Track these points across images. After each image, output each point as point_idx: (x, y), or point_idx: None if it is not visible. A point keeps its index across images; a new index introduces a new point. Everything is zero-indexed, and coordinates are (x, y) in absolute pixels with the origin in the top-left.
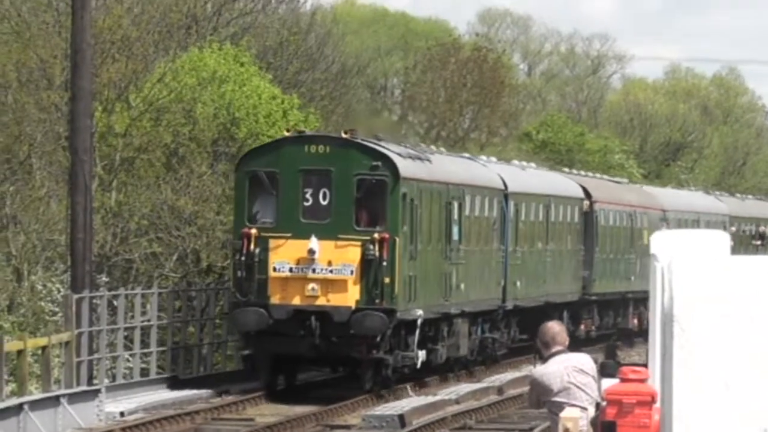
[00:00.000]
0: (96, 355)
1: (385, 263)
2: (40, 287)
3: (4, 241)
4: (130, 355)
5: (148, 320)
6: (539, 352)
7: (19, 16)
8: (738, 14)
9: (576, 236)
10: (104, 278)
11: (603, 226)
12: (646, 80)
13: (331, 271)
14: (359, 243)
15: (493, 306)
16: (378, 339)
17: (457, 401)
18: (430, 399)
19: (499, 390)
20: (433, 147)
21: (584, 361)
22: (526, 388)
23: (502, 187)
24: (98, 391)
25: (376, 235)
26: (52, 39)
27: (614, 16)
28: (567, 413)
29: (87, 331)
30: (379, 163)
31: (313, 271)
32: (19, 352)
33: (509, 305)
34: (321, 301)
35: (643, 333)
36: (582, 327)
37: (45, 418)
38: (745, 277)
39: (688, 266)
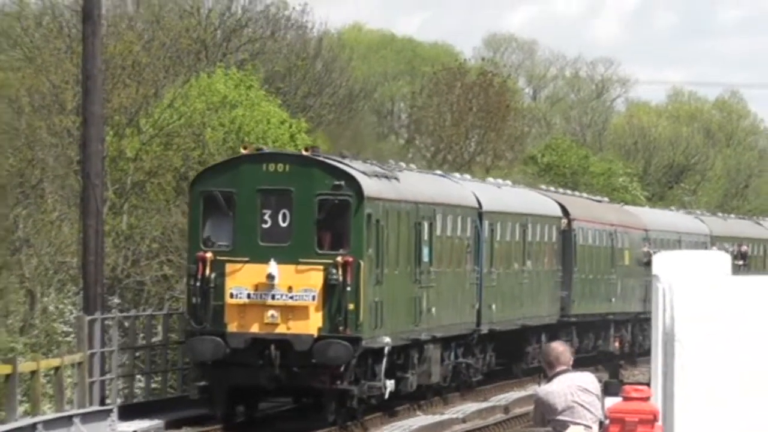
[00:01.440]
0: (108, 376)
1: (349, 288)
2: (52, 309)
3: (17, 263)
4: (142, 376)
5: (160, 341)
6: (544, 371)
7: (32, 42)
8: (740, 39)
9: (554, 256)
10: (116, 300)
11: (582, 246)
12: (650, 104)
13: (291, 297)
14: (321, 267)
15: (467, 330)
16: (342, 369)
17: (463, 420)
18: (438, 418)
19: (505, 409)
20: (402, 164)
21: (588, 380)
22: (531, 407)
23: (477, 206)
24: (110, 410)
25: (339, 259)
26: (63, 65)
27: (618, 41)
28: (572, 431)
29: (99, 351)
30: (342, 183)
31: (273, 297)
32: (33, 373)
33: (484, 329)
34: (281, 329)
35: (624, 355)
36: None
37: None
38: (745, 296)
39: (689, 287)
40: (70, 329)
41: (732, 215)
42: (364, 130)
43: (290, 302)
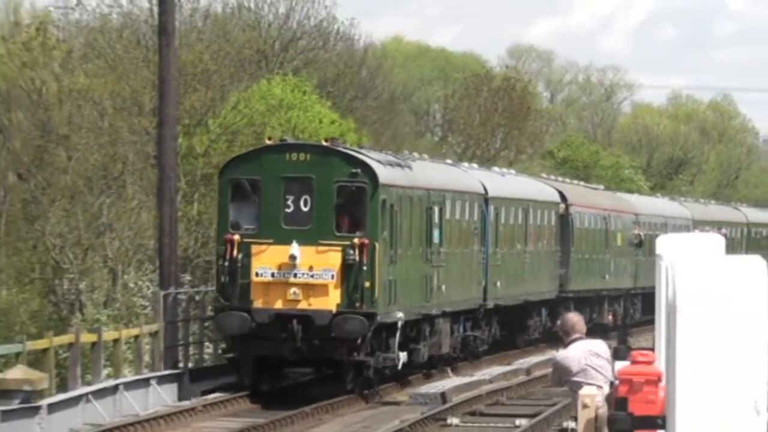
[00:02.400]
0: (180, 343)
1: (365, 268)
2: (132, 285)
3: (102, 245)
4: (210, 343)
5: None
6: (561, 338)
7: (114, 52)
8: (732, 50)
9: (553, 238)
10: (187, 277)
11: (578, 228)
12: (652, 105)
13: (312, 276)
14: (339, 248)
15: (474, 305)
16: (359, 341)
17: (490, 381)
18: (467, 379)
19: (527, 371)
20: (415, 154)
21: (599, 346)
22: (549, 370)
23: (483, 192)
24: (182, 374)
25: (356, 241)
26: (141, 72)
27: (625, 51)
28: (585, 391)
29: (172, 322)
30: (359, 170)
31: (295, 275)
32: (115, 341)
33: (490, 304)
34: (302, 305)
35: (617, 327)
36: (559, 323)
37: (137, 397)
38: (737, 275)
39: (690, 265)
40: (147, 303)
41: (713, 201)
42: (403, 129)
43: (311, 280)
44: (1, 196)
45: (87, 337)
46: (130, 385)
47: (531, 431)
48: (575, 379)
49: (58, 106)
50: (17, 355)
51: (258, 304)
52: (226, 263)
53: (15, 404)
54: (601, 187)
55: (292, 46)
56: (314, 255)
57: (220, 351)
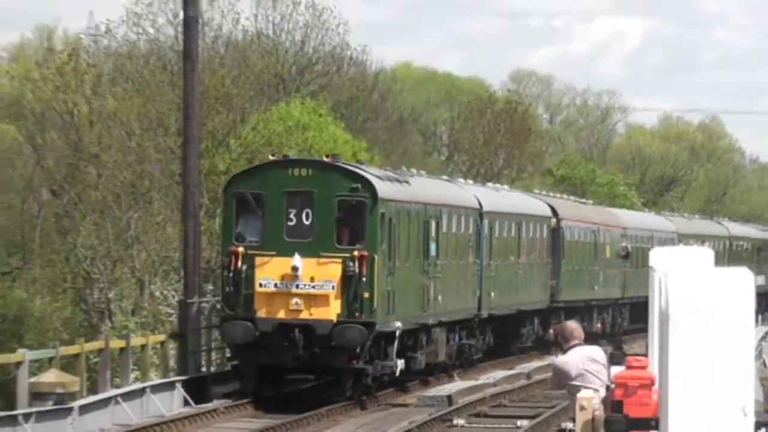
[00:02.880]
0: (203, 349)
1: (364, 279)
2: (158, 294)
3: (130, 257)
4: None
5: None
6: (560, 344)
7: (141, 77)
8: (718, 74)
9: (545, 250)
10: (210, 287)
11: (569, 241)
12: (645, 127)
13: (313, 287)
14: (340, 260)
15: (469, 315)
16: (358, 350)
17: (494, 384)
18: (472, 383)
19: (528, 376)
20: (413, 170)
21: (596, 352)
22: (549, 374)
23: (478, 207)
24: (206, 377)
25: (356, 253)
26: (167, 95)
27: (619, 76)
28: (582, 394)
29: (195, 329)
30: (359, 185)
31: (297, 286)
32: (142, 347)
33: (484, 314)
34: (304, 315)
35: (606, 335)
36: (551, 331)
37: (163, 399)
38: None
39: (681, 276)
40: (172, 311)
41: (696, 216)
42: (412, 149)
43: (312, 291)
44: (36, 211)
45: (116, 343)
46: (156, 388)
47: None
48: (573, 382)
49: (88, 127)
50: (51, 359)
51: (261, 313)
52: (231, 274)
53: (49, 405)
54: (590, 201)
55: (308, 71)
56: (315, 266)
57: (225, 359)
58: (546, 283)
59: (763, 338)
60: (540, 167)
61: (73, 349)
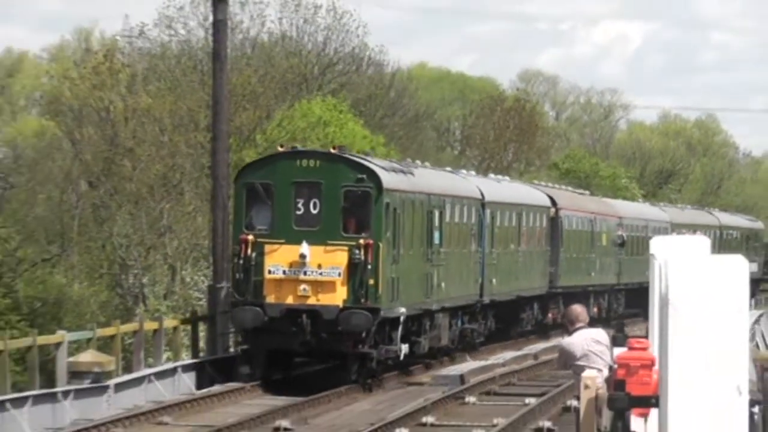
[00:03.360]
0: (231, 330)
1: (369, 266)
2: (189, 280)
3: (162, 245)
4: None
5: None
6: (566, 327)
7: (173, 76)
8: (716, 75)
9: (544, 238)
10: None
11: (567, 230)
12: (645, 123)
13: (320, 274)
14: (346, 248)
15: (471, 301)
16: (363, 335)
17: (503, 364)
18: (483, 363)
19: (535, 356)
20: (418, 162)
21: (600, 334)
22: (555, 355)
23: (480, 197)
24: (234, 357)
25: (361, 241)
26: (197, 93)
27: (621, 76)
28: (587, 374)
29: (225, 312)
30: (365, 176)
31: (305, 273)
32: (174, 329)
33: (486, 300)
34: (311, 301)
35: (602, 320)
36: (550, 316)
37: (194, 378)
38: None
39: (680, 263)
40: (202, 295)
41: (688, 206)
42: (427, 144)
43: (319, 278)
44: (74, 202)
45: (149, 325)
46: (187, 368)
47: (539, 409)
48: (578, 363)
49: (124, 123)
50: (88, 340)
51: (270, 299)
52: (241, 261)
53: (86, 384)
54: (587, 192)
55: (329, 71)
56: (323, 254)
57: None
58: (545, 269)
59: (756, 322)
60: (547, 161)
61: (109, 331)
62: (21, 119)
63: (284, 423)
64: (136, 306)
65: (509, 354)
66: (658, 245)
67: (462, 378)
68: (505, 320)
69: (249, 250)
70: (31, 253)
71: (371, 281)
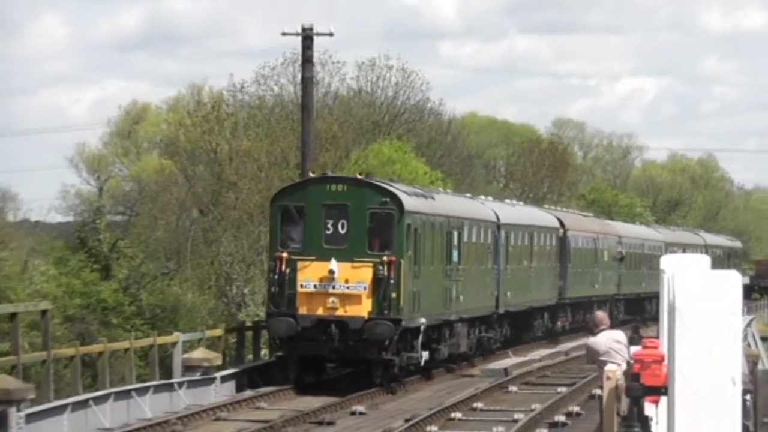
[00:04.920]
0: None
1: (392, 281)
2: None
3: (260, 262)
4: None
5: None
6: (591, 330)
7: (268, 123)
8: (714, 121)
9: (553, 256)
10: None
11: (574, 248)
12: (656, 161)
13: (348, 288)
14: (371, 264)
15: (488, 312)
16: (386, 343)
17: (539, 360)
18: (522, 359)
19: (566, 353)
20: (440, 189)
21: (619, 335)
22: (582, 352)
23: (496, 220)
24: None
25: (385, 258)
26: (288, 137)
27: (637, 122)
28: (608, 368)
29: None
30: (388, 200)
31: (333, 287)
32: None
33: (501, 310)
34: (339, 312)
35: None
36: (559, 323)
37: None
38: (720, 284)
39: (686, 276)
40: None
41: (680, 228)
42: (477, 179)
43: (347, 291)
44: (188, 226)
45: (250, 328)
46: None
47: (569, 396)
48: (602, 358)
49: (228, 162)
50: (199, 340)
51: (302, 310)
52: (276, 276)
53: (197, 376)
54: (591, 214)
55: (397, 119)
56: (350, 270)
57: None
58: (554, 283)
59: (747, 325)
60: (575, 193)
61: (216, 333)
62: (144, 159)
63: (360, 408)
64: (239, 312)
65: (545, 351)
66: (667, 262)
67: (506, 371)
68: (519, 328)
69: (283, 266)
70: (153, 269)
71: (394, 294)
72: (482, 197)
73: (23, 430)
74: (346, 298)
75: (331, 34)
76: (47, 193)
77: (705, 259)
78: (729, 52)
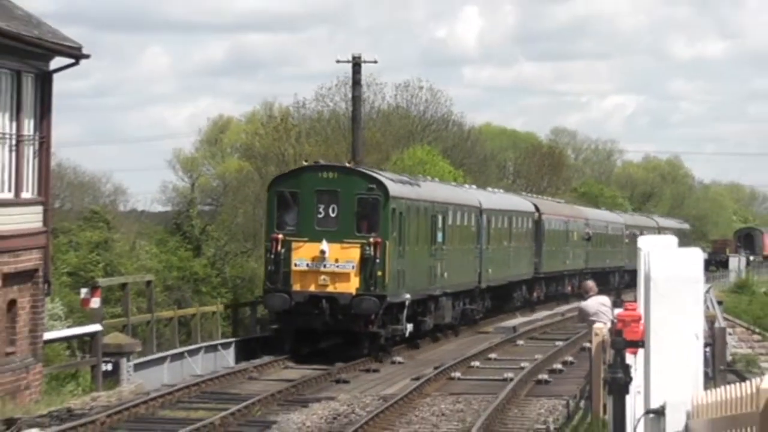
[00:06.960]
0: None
1: (378, 260)
2: None
3: None
4: None
5: None
6: (582, 295)
7: (325, 132)
8: (681, 130)
9: (530, 237)
10: None
11: (548, 230)
12: (634, 162)
13: (337, 266)
14: (359, 245)
15: (471, 287)
16: (372, 317)
17: (541, 320)
18: (528, 318)
19: (562, 315)
20: (428, 177)
21: (605, 299)
22: (575, 313)
23: (478, 205)
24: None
25: (371, 240)
26: (341, 144)
27: (619, 130)
28: (597, 326)
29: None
30: (374, 186)
31: (324, 266)
32: None
33: (484, 285)
34: (330, 289)
35: (575, 295)
36: (535, 294)
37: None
38: (685, 258)
39: (659, 252)
40: None
41: (637, 213)
42: (491, 176)
43: (336, 270)
44: (261, 215)
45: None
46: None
47: (565, 349)
48: (591, 318)
49: (293, 163)
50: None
51: (296, 287)
52: (272, 256)
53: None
54: (563, 201)
55: (427, 129)
56: (339, 250)
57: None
58: (531, 260)
59: (707, 292)
60: (569, 187)
61: None
62: (227, 161)
63: (398, 358)
64: None
65: (545, 312)
66: (643, 241)
67: (514, 328)
68: (500, 300)
69: (279, 247)
70: (234, 248)
71: (379, 273)
72: (466, 186)
73: (132, 376)
74: (336, 276)
75: (375, 62)
76: (151, 188)
77: (673, 239)
78: (693, 74)
